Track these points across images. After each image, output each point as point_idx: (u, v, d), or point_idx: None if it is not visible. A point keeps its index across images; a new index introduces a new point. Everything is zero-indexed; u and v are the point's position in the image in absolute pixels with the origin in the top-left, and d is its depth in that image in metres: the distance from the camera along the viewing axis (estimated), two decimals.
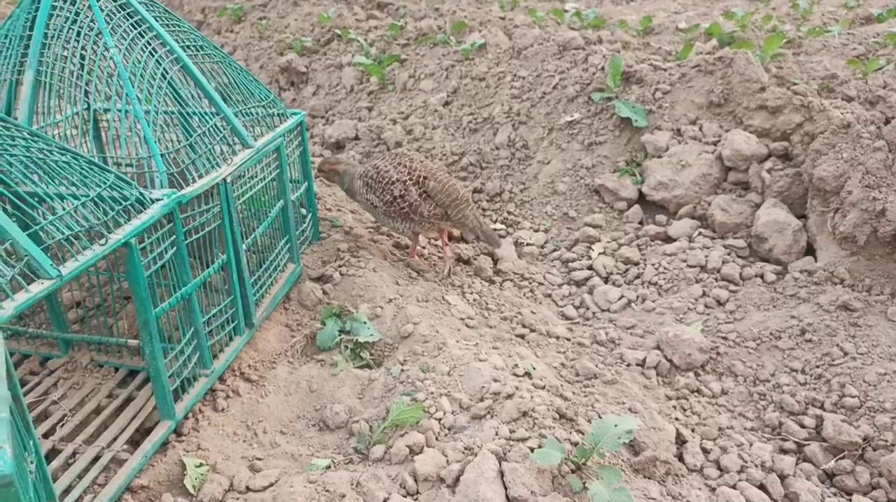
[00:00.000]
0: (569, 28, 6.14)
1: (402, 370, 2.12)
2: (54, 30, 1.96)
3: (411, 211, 2.68)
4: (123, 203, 1.63)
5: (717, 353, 2.31)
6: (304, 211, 2.81)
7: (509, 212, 3.37)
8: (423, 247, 3.06)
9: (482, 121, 3.91)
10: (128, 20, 2.05)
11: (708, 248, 2.77)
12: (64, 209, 1.48)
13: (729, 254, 2.74)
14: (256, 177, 2.27)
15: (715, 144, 3.09)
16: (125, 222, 1.61)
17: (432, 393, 1.99)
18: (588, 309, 2.68)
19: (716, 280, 2.64)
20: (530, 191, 3.42)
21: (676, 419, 2.03)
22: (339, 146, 4.53)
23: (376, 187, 2.71)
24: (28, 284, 1.35)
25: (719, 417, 2.05)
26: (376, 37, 5.36)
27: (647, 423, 1.89)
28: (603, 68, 3.61)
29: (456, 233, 3.19)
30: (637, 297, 2.67)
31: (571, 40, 3.91)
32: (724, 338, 2.38)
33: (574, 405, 1.91)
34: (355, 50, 5.33)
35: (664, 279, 2.70)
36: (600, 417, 1.86)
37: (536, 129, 3.63)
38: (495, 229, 3.28)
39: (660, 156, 3.14)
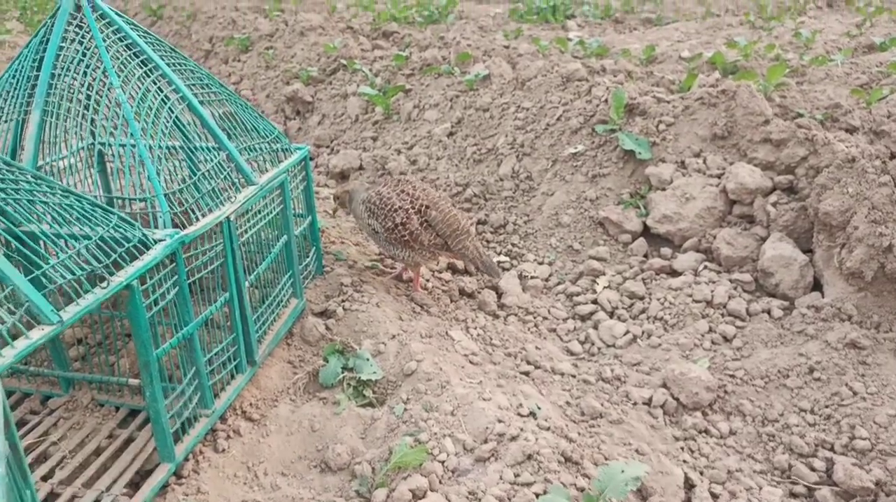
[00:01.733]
0: (573, 57, 6.19)
1: (406, 409, 2.10)
2: (61, 70, 1.98)
3: (412, 239, 2.68)
4: (126, 244, 1.63)
5: (725, 392, 2.28)
6: (306, 242, 2.81)
7: (513, 245, 3.36)
8: (427, 280, 3.05)
9: (486, 152, 3.92)
10: (133, 59, 2.07)
11: (714, 283, 2.74)
12: (66, 252, 1.48)
13: (735, 289, 2.72)
14: (260, 213, 2.27)
15: (719, 177, 3.08)
16: (127, 264, 1.61)
17: (435, 433, 1.96)
18: (593, 344, 2.65)
19: (722, 315, 2.62)
20: (534, 223, 3.42)
21: (684, 461, 2.00)
22: (343, 176, 4.54)
23: (378, 213, 2.71)
24: (28, 330, 1.34)
25: (728, 459, 2.02)
26: (381, 67, 5.41)
27: (655, 467, 1.85)
28: (606, 100, 3.62)
29: (460, 264, 3.18)
30: (643, 333, 2.64)
31: (575, 72, 3.93)
32: (732, 376, 2.35)
33: (580, 447, 1.88)
34: (360, 80, 5.38)
35: (670, 314, 2.68)
36: (606, 460, 1.83)
37: (540, 161, 3.64)
38: (499, 261, 3.27)
39: (664, 189, 3.13)
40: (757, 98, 3.16)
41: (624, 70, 5.04)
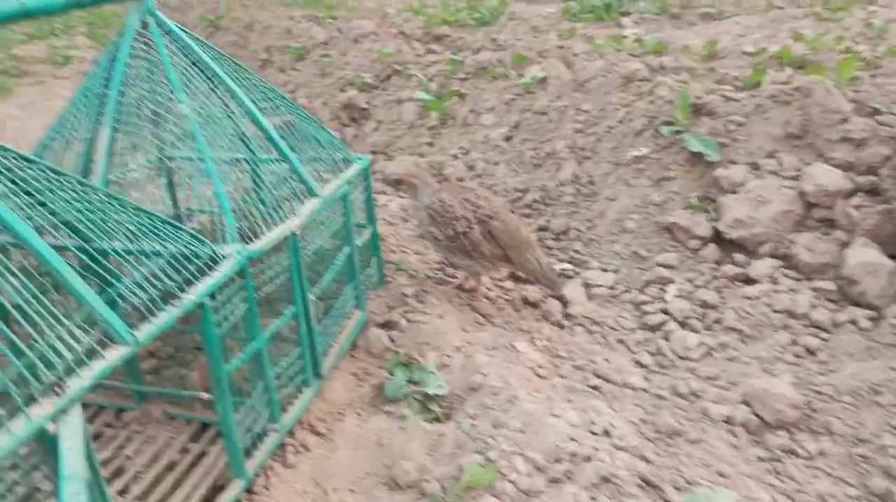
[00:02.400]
0: (629, 55, 6.04)
1: (473, 425, 2.05)
2: (129, 86, 2.01)
3: (473, 249, 2.63)
4: (197, 261, 1.63)
5: (812, 409, 2.14)
6: (367, 252, 2.78)
7: (576, 252, 3.27)
8: (489, 290, 2.99)
9: (545, 156, 3.84)
10: (199, 74, 2.08)
11: (794, 291, 2.60)
12: (138, 269, 1.49)
13: (817, 298, 2.57)
14: (323, 225, 2.26)
15: (795, 179, 2.93)
16: (198, 281, 1.61)
17: (505, 451, 1.91)
18: (665, 356, 2.55)
19: (804, 326, 2.48)
20: (597, 229, 3.32)
21: (771, 485, 1.88)
22: (399, 182, 4.52)
23: (440, 220, 2.67)
24: (105, 350, 1.35)
25: (818, 483, 1.89)
26: (436, 71, 5.39)
27: (741, 492, 1.75)
28: (671, 100, 3.49)
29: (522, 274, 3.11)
30: (718, 345, 2.52)
31: (636, 72, 3.81)
32: (818, 392, 2.21)
33: (659, 469, 1.79)
34: (415, 85, 5.36)
35: (747, 325, 2.55)
36: (689, 484, 1.73)
37: (602, 165, 3.53)
38: (562, 269, 3.19)
39: (735, 192, 2.99)
40: (834, 95, 2.99)
41: (685, 67, 4.87)
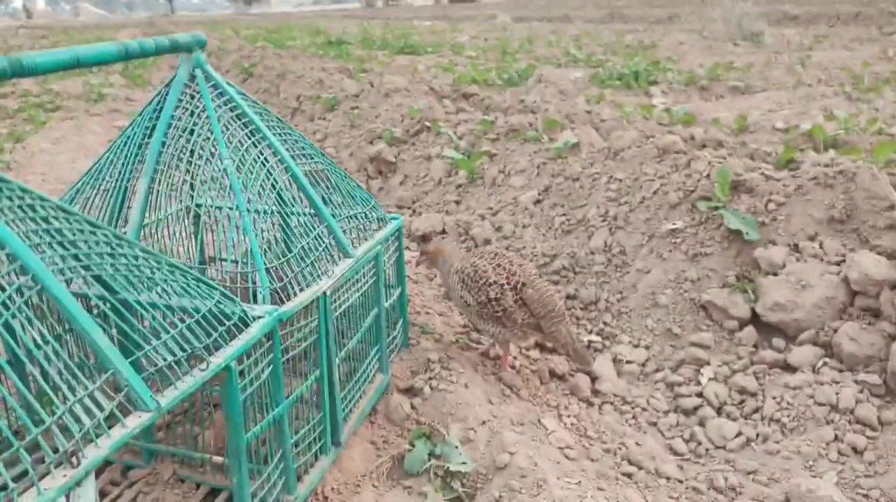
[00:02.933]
0: (658, 124, 6.05)
1: None
2: (172, 138, 1.98)
3: (504, 316, 2.55)
4: (227, 323, 1.56)
5: None
6: (394, 313, 2.71)
7: (605, 323, 3.17)
8: (515, 358, 2.89)
9: (576, 222, 3.79)
10: (243, 129, 2.06)
11: (837, 383, 2.48)
12: (164, 326, 1.42)
13: (862, 392, 2.44)
14: (354, 285, 2.20)
15: (838, 264, 2.84)
16: (227, 343, 1.53)
17: None
18: (700, 444, 2.42)
19: (849, 422, 2.35)
20: (628, 302, 3.23)
21: None
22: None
23: (472, 286, 2.60)
24: (125, 416, 1.27)
25: None
26: (466, 130, 5.41)
27: None
28: (708, 175, 3.44)
29: (561, 352, 3.01)
30: (757, 436, 2.39)
31: (672, 144, 3.79)
32: (866, 496, 2.07)
33: None
34: (444, 142, 5.38)
35: (788, 416, 2.42)
36: None
37: (635, 235, 3.47)
38: (590, 341, 3.09)
39: (776, 274, 2.90)
40: (880, 181, 2.93)
41: (715, 140, 4.86)
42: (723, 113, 7.13)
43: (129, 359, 1.33)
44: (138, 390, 1.30)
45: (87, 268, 1.37)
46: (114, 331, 1.49)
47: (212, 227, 2.42)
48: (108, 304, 1.44)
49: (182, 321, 1.47)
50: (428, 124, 5.69)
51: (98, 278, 1.42)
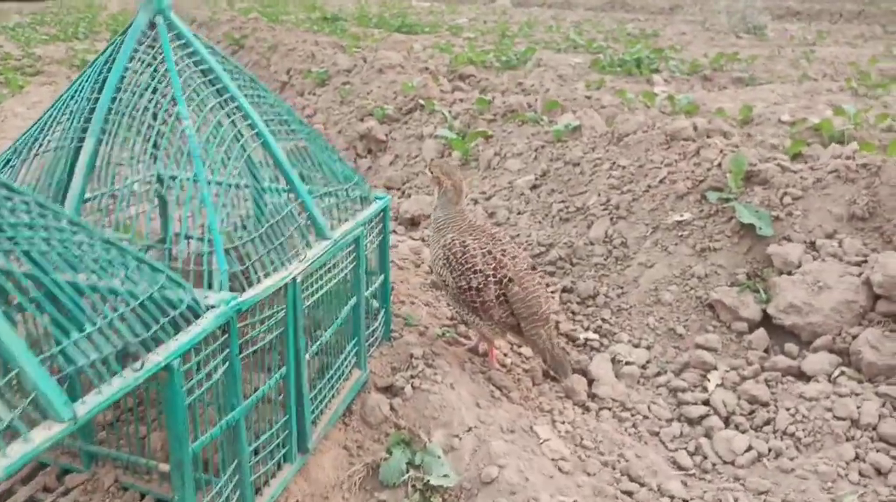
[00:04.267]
0: (660, 112, 5.81)
1: None
2: (125, 94, 1.72)
3: (482, 309, 2.31)
4: (172, 312, 1.31)
5: None
6: (375, 303, 2.46)
7: (604, 320, 2.95)
8: (505, 355, 2.66)
9: (575, 210, 3.55)
10: (208, 87, 1.80)
11: (858, 395, 2.27)
12: (93, 322, 1.17)
13: (884, 406, 2.23)
14: (330, 271, 1.95)
15: (859, 265, 2.62)
16: (170, 337, 1.29)
17: None
18: (706, 458, 2.21)
19: (871, 439, 2.14)
20: (629, 297, 3.00)
21: None
22: (413, 223, 4.23)
23: (455, 266, 2.35)
24: (31, 428, 1.02)
25: None
26: (461, 109, 5.15)
27: None
28: (719, 164, 3.21)
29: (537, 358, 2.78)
30: (769, 451, 2.18)
31: (681, 130, 3.55)
32: None
33: None
34: (438, 121, 5.12)
35: (803, 431, 2.21)
36: None
37: (638, 226, 3.24)
38: (587, 339, 2.86)
39: (791, 273, 2.68)
40: None
41: (719, 130, 4.62)
42: (726, 103, 6.89)
43: (42, 356, 1.09)
44: (49, 395, 1.05)
45: None
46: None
47: (175, 202, 2.16)
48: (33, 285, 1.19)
49: (114, 309, 1.22)
50: (422, 102, 5.42)
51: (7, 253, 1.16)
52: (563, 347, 2.70)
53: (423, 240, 3.72)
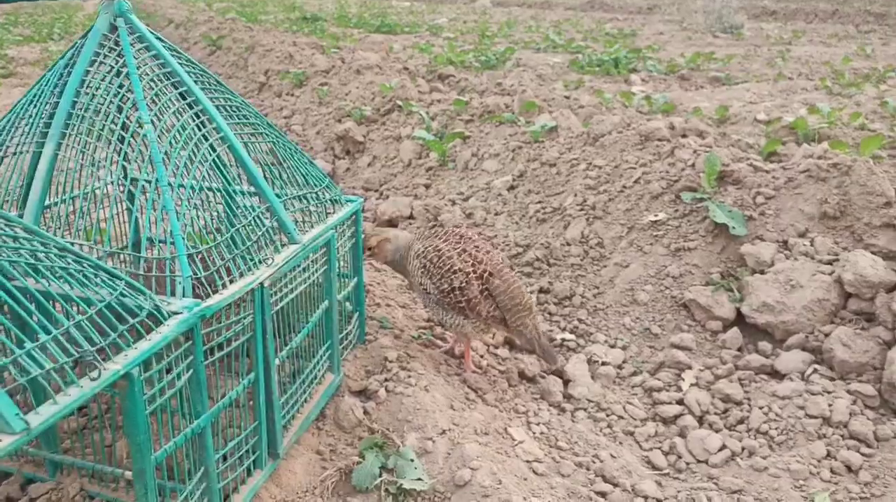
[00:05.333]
0: (638, 112, 5.84)
1: None
2: (85, 98, 1.69)
3: (468, 307, 2.31)
4: (131, 320, 1.29)
5: None
6: (349, 306, 2.44)
7: (580, 320, 2.95)
8: (482, 357, 2.65)
9: (551, 211, 3.55)
10: (171, 90, 1.77)
11: (829, 393, 2.29)
12: (46, 331, 1.14)
13: (855, 404, 2.25)
14: (300, 275, 1.93)
15: (830, 264, 2.65)
16: (130, 345, 1.26)
17: None
18: (680, 457, 2.21)
19: (842, 437, 2.16)
20: (605, 298, 3.01)
21: None
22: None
23: (434, 272, 2.35)
24: None
25: None
26: (439, 110, 5.13)
27: None
28: (693, 164, 3.23)
29: (525, 348, 2.77)
30: (742, 449, 2.19)
31: (655, 131, 3.56)
32: None
33: None
34: (416, 122, 5.10)
35: (776, 429, 2.22)
36: None
37: (614, 226, 3.24)
38: (563, 339, 2.86)
39: (763, 272, 2.70)
40: (877, 176, 2.74)
41: (696, 129, 4.65)
42: (703, 103, 6.95)
43: None
44: (0, 407, 1.02)
45: None
46: None
47: (144, 206, 2.13)
48: None
49: (69, 317, 1.19)
50: (399, 103, 5.39)
51: None
52: (548, 337, 2.70)
53: None
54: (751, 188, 2.98)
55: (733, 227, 2.86)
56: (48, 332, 1.14)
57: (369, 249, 2.51)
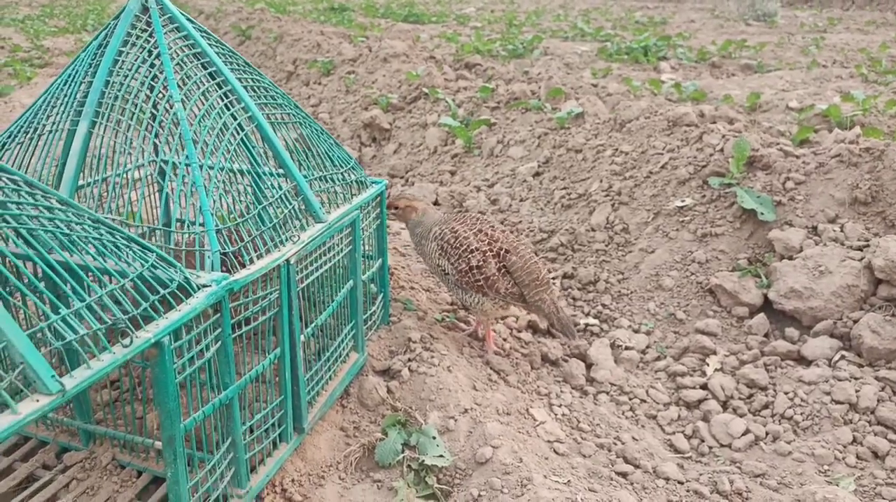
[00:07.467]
0: (666, 100, 5.77)
1: None
2: (118, 77, 1.73)
3: (487, 285, 2.33)
4: (162, 290, 1.33)
5: None
6: (373, 287, 2.47)
7: (604, 306, 2.94)
8: (505, 340, 2.67)
9: (577, 197, 3.54)
10: (200, 71, 1.80)
11: (857, 379, 2.26)
12: (82, 299, 1.18)
13: (884, 390, 2.22)
14: (326, 254, 1.96)
15: (861, 250, 2.60)
16: (160, 315, 1.30)
17: None
18: (703, 441, 2.20)
19: (869, 423, 2.13)
20: (630, 283, 2.99)
21: None
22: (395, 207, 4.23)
23: (452, 253, 2.38)
24: (18, 400, 1.04)
25: None
26: (465, 98, 5.13)
27: None
28: (721, 149, 3.19)
29: (543, 324, 2.78)
30: (767, 434, 2.17)
31: (683, 116, 3.52)
32: None
33: None
34: (442, 110, 5.11)
35: (801, 414, 2.20)
36: None
37: (640, 212, 3.22)
38: (587, 324, 2.86)
39: (792, 258, 2.67)
40: None
41: (726, 117, 4.59)
42: (734, 91, 6.83)
43: (29, 331, 1.10)
44: (36, 369, 1.06)
45: None
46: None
47: (164, 194, 2.17)
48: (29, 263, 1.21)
49: (103, 287, 1.23)
50: (426, 90, 5.40)
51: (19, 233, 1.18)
52: (566, 312, 2.70)
53: None
54: (780, 173, 2.93)
55: (762, 213, 2.82)
56: (82, 300, 1.18)
57: (396, 208, 2.54)
